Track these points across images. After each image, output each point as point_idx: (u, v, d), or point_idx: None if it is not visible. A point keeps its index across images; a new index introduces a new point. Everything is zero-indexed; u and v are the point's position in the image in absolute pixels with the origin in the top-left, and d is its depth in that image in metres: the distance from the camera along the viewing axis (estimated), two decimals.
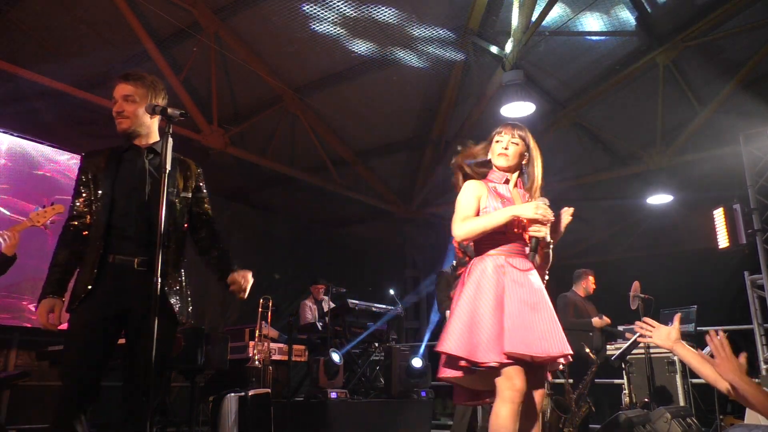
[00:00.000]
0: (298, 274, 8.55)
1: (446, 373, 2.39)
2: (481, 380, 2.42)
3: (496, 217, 2.40)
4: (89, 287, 2.18)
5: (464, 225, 2.42)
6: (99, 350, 2.17)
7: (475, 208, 2.46)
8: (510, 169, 2.55)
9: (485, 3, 5.86)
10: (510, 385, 2.25)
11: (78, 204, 2.32)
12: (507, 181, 2.56)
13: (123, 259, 2.24)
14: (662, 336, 2.27)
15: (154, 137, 2.43)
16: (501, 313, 2.30)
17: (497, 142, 2.56)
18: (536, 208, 2.34)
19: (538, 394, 2.40)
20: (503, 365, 2.25)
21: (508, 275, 2.38)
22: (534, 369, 2.34)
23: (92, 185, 2.32)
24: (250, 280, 2.40)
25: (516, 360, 2.24)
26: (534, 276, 2.45)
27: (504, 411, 2.23)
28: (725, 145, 6.80)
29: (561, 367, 2.54)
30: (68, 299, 2.24)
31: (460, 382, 2.46)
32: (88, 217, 2.31)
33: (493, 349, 2.23)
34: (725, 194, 6.46)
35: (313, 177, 7.88)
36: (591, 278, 5.98)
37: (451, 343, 2.29)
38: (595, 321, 5.65)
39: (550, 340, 2.29)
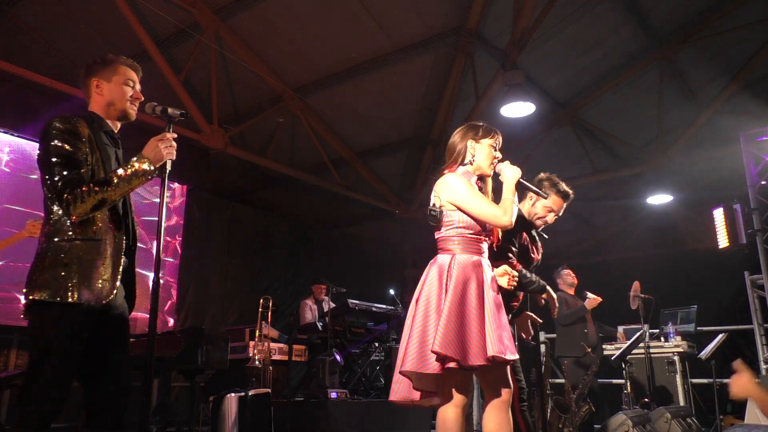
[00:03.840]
0: (298, 274, 8.55)
1: (405, 366, 2.29)
2: (420, 380, 2.35)
3: (509, 189, 2.49)
4: (115, 292, 2.08)
5: (506, 211, 2.42)
6: (78, 354, 2.07)
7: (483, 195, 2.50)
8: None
9: (485, 3, 5.87)
10: (457, 390, 2.33)
11: (84, 168, 2.07)
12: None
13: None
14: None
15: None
16: (483, 314, 2.31)
17: (493, 147, 2.57)
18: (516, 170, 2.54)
19: (506, 392, 2.38)
20: (483, 367, 2.28)
21: (486, 275, 2.39)
22: (493, 370, 2.34)
23: (89, 162, 2.10)
24: None
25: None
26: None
27: (450, 414, 2.30)
28: (725, 145, 6.80)
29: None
30: (78, 289, 2.02)
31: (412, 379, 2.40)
32: None
33: (481, 351, 2.24)
34: (725, 194, 6.46)
35: (313, 177, 7.88)
36: (568, 270, 5.95)
37: (442, 343, 2.22)
38: (588, 302, 5.60)
39: (511, 341, 2.34)
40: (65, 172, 2.00)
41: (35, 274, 2.02)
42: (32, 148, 6.08)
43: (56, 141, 2.02)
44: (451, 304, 2.28)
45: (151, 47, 5.73)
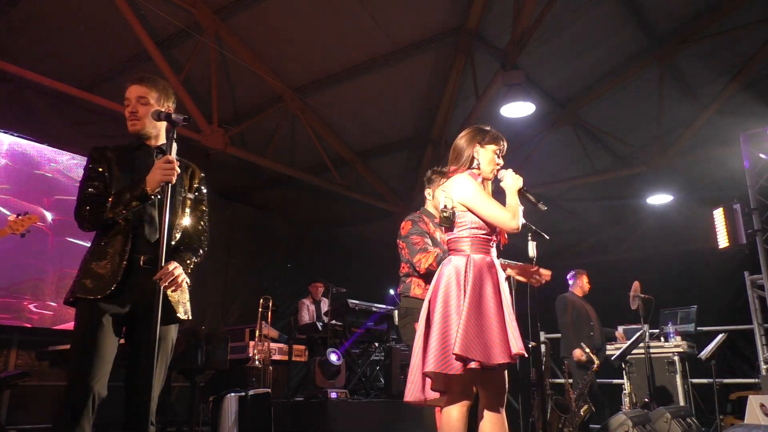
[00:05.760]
0: (298, 274, 8.55)
1: (428, 367, 2.29)
2: (435, 380, 2.39)
3: (512, 196, 2.51)
4: (114, 286, 2.18)
5: (515, 215, 2.44)
6: (109, 348, 2.19)
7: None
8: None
9: (485, 3, 5.86)
10: (465, 390, 2.33)
11: (93, 188, 2.27)
12: None
13: (133, 257, 2.26)
14: None
15: (162, 138, 2.45)
16: (503, 312, 2.34)
17: (496, 154, 2.59)
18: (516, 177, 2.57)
19: (503, 394, 2.42)
20: (501, 366, 2.29)
21: (499, 275, 2.43)
22: (497, 371, 2.38)
23: (108, 177, 2.30)
24: (176, 274, 2.21)
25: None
26: None
27: (456, 413, 2.31)
28: (725, 145, 6.80)
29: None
30: (78, 287, 2.21)
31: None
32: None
33: (505, 349, 2.26)
34: (725, 194, 6.46)
35: (313, 177, 7.88)
36: (585, 278, 5.92)
37: (462, 345, 2.23)
38: (576, 353, 5.36)
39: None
40: (80, 199, 2.27)
41: None
42: (31, 147, 6.08)
43: (84, 171, 2.33)
44: (470, 306, 2.29)
45: (151, 47, 5.73)
